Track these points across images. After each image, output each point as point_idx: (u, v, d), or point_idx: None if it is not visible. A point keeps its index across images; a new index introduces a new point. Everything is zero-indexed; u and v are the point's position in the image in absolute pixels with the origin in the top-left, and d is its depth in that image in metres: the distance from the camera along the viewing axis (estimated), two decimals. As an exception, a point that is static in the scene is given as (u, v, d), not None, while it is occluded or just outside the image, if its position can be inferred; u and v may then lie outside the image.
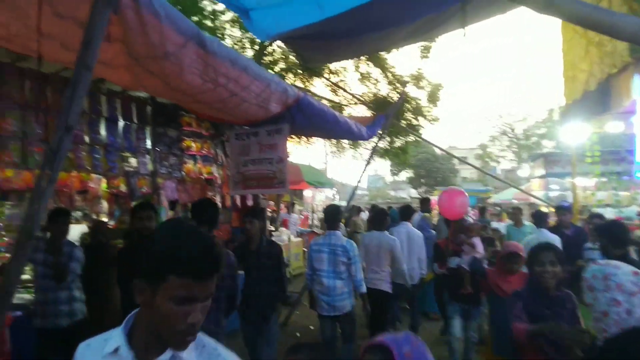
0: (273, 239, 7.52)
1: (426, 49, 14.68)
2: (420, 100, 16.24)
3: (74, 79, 2.32)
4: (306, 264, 13.26)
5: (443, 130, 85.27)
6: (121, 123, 5.67)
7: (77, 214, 7.41)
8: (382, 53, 13.74)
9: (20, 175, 5.42)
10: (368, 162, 8.03)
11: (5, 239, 6.67)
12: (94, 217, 6.97)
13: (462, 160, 13.39)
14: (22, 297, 5.01)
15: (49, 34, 3.12)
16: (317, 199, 25.42)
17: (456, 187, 5.41)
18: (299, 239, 13.64)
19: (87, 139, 5.20)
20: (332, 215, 5.46)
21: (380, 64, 14.68)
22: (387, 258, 6.07)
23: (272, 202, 14.58)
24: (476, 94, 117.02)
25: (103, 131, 5.42)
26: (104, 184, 6.59)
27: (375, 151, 8.39)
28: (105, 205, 6.87)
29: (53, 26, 3.02)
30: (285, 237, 12.46)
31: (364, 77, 15.32)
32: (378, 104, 14.47)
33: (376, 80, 15.37)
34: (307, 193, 21.95)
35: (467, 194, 6.24)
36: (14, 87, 4.40)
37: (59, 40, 3.29)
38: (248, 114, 5.01)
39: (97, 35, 2.32)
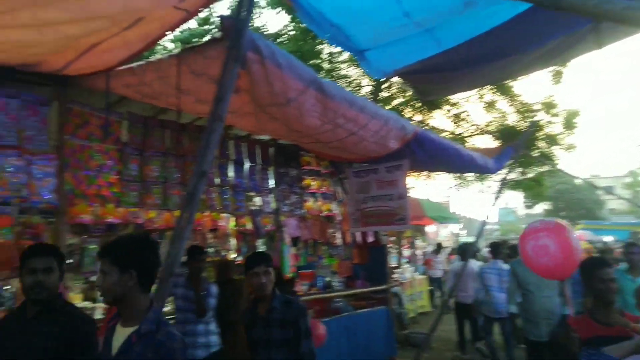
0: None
1: (558, 74, 13.73)
2: (553, 127, 15.11)
3: (208, 129, 2.51)
4: (430, 302, 12.86)
5: (585, 159, 77.75)
6: (247, 165, 6.03)
7: (209, 250, 7.93)
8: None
9: (161, 216, 6.00)
10: (497, 196, 7.59)
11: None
12: (224, 254, 7.43)
13: (607, 191, 12.07)
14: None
15: (186, 90, 3.46)
16: (442, 234, 24.51)
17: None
18: (423, 277, 13.18)
19: (217, 181, 5.59)
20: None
21: (507, 92, 13.99)
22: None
23: (392, 238, 14.36)
24: (620, 117, 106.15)
25: (231, 173, 5.80)
26: (232, 223, 7.03)
27: (505, 183, 7.91)
28: (233, 242, 7.31)
29: (189, 83, 3.35)
30: (408, 274, 12.11)
31: (489, 106, 14.68)
32: (505, 133, 13.71)
33: (502, 109, 14.66)
34: (430, 228, 21.28)
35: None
36: (156, 137, 4.92)
37: (195, 95, 3.63)
38: (367, 151, 5.04)
39: (227, 89, 2.50)
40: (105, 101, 3.96)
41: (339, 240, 7.45)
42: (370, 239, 7.77)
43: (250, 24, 2.67)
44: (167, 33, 3.02)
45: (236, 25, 2.57)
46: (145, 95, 3.79)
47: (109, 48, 3.13)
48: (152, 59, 3.52)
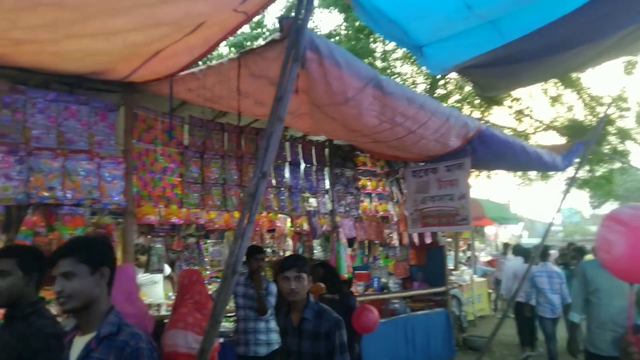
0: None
1: (631, 65, 12.94)
2: (625, 121, 14.25)
3: (269, 130, 2.53)
4: (491, 305, 12.46)
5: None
6: (302, 166, 6.06)
7: (267, 250, 8.06)
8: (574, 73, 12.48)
9: (221, 217, 6.16)
10: (565, 195, 7.21)
11: (208, 272, 7.51)
12: (281, 254, 7.53)
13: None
14: (223, 325, 5.54)
15: (245, 92, 3.51)
16: (502, 236, 23.69)
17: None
18: (483, 279, 12.78)
19: (274, 182, 5.65)
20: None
21: (574, 85, 13.33)
22: None
23: (450, 240, 14.03)
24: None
25: (287, 174, 5.84)
26: (288, 223, 7.11)
27: (573, 182, 7.53)
28: (290, 242, 7.39)
29: (249, 85, 3.40)
30: (467, 277, 11.79)
31: (554, 101, 14.03)
32: (572, 129, 13.08)
33: (569, 103, 13.98)
34: (490, 230, 20.61)
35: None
36: (215, 140, 5.04)
37: (253, 97, 3.69)
38: (426, 150, 4.93)
39: (287, 90, 2.51)
40: (168, 106, 4.09)
41: (395, 241, 7.36)
42: (428, 240, 7.62)
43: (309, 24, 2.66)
44: (227, 36, 3.07)
45: (295, 25, 2.57)
46: (207, 99, 3.88)
47: (172, 54, 3.23)
48: (212, 63, 3.60)
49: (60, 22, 2.56)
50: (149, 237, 5.42)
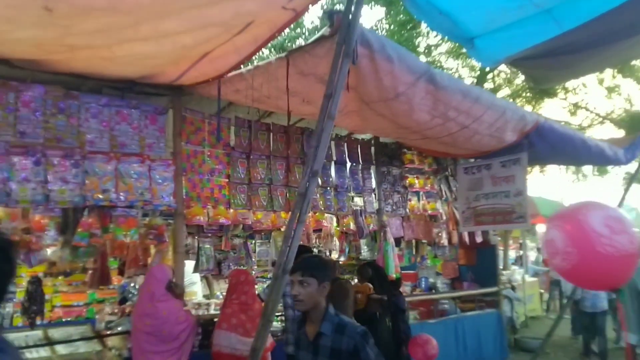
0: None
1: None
2: None
3: (319, 128, 2.47)
4: (543, 306, 12.02)
5: None
6: (348, 165, 5.99)
7: (313, 250, 8.03)
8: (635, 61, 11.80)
9: (267, 217, 6.15)
10: (627, 190, 6.81)
11: (253, 272, 7.56)
12: (327, 253, 7.46)
13: None
14: (273, 324, 5.55)
15: (293, 91, 3.46)
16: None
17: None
18: (534, 279, 12.35)
19: (320, 181, 5.60)
20: None
21: (633, 74, 12.63)
22: None
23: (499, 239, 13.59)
24: None
25: (333, 173, 5.79)
26: (335, 223, 7.04)
27: (635, 177, 7.11)
28: (336, 242, 7.32)
29: (296, 84, 3.35)
30: (518, 276, 11.41)
31: (611, 92, 13.36)
32: (631, 121, 12.40)
33: (627, 94, 13.27)
34: (540, 228, 19.84)
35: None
36: (261, 140, 5.04)
37: (301, 96, 3.64)
38: (480, 145, 4.77)
39: (338, 86, 2.45)
40: (216, 107, 4.11)
41: (444, 241, 7.16)
42: (479, 239, 7.39)
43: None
44: (275, 35, 3.03)
45: (346, 19, 2.50)
46: (254, 100, 3.87)
47: (221, 55, 3.22)
48: (260, 63, 3.57)
49: (114, 27, 2.59)
50: (197, 237, 5.47)
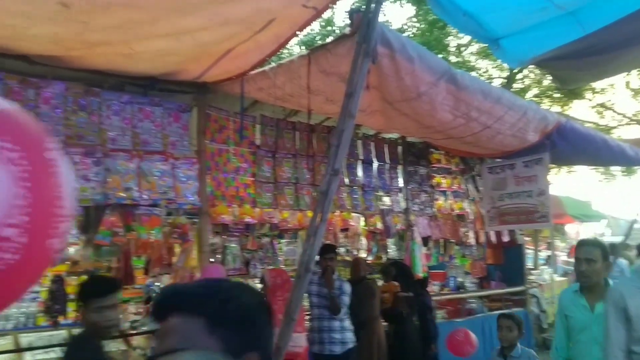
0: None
1: None
2: None
3: (340, 127, 2.45)
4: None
5: None
6: (375, 164, 5.96)
7: (340, 250, 8.02)
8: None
9: (294, 216, 6.17)
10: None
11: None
12: (355, 252, 7.45)
13: None
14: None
15: (316, 90, 3.45)
16: (583, 234, 22.20)
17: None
18: (564, 279, 12.04)
19: (347, 180, 5.58)
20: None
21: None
22: None
23: (528, 238, 13.32)
24: None
25: (360, 172, 5.76)
26: (362, 222, 7.03)
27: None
28: (364, 241, 7.30)
29: (319, 82, 3.34)
30: (547, 276, 11.18)
31: (638, 94, 12.98)
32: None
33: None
34: (570, 228, 19.34)
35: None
36: (287, 139, 5.03)
37: (324, 95, 3.62)
38: (502, 145, 4.75)
39: (358, 85, 2.42)
40: (240, 105, 4.11)
41: (471, 240, 7.16)
42: (506, 239, 7.29)
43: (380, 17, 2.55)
44: (297, 33, 3.01)
45: (366, 18, 2.47)
46: (277, 98, 3.87)
47: (243, 52, 3.22)
48: (283, 61, 3.57)
49: (131, 23, 2.61)
50: (223, 236, 5.51)
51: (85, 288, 2.40)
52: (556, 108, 13.30)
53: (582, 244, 2.99)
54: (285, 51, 12.59)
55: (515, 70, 11.72)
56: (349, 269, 6.48)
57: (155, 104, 3.89)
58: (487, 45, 3.93)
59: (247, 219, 5.55)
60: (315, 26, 14.48)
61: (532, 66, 6.19)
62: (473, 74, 12.77)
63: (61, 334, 4.66)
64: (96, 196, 3.46)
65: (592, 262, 2.84)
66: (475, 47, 12.34)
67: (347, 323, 4.67)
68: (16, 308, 6.84)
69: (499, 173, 5.77)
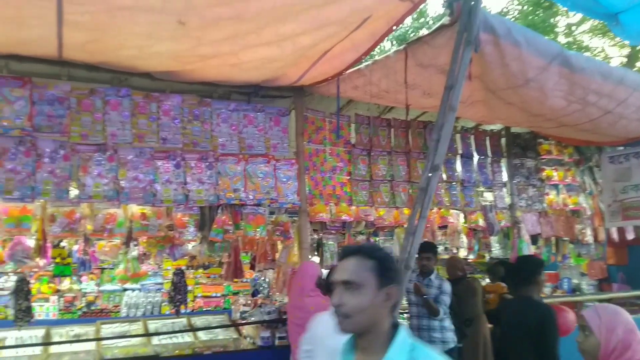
0: None
1: None
2: None
3: (440, 121, 2.38)
4: None
5: None
6: (475, 158, 5.70)
7: (439, 247, 7.80)
8: None
9: (390, 213, 6.10)
10: None
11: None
12: (454, 251, 7.19)
13: None
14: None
15: (412, 84, 3.38)
16: None
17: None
18: None
19: (444, 176, 5.40)
20: None
21: None
22: None
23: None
24: None
25: (459, 168, 5.55)
26: (462, 219, 6.75)
27: None
28: (464, 239, 7.02)
29: (416, 76, 3.27)
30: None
31: None
32: None
33: None
34: None
35: None
36: (382, 136, 5.00)
37: (421, 89, 3.54)
38: (626, 131, 4.38)
39: (460, 76, 2.33)
40: (336, 105, 4.16)
41: (588, 238, 6.60)
42: (630, 236, 6.63)
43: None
44: (393, 28, 2.96)
45: (467, 6, 2.36)
46: (373, 95, 3.86)
47: (339, 53, 3.25)
48: (378, 57, 3.53)
49: (239, 34, 2.76)
50: (321, 234, 5.60)
51: None
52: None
53: None
54: (377, 48, 12.52)
55: (638, 48, 10.60)
56: (446, 267, 6.29)
57: (258, 109, 4.14)
58: (603, 22, 3.58)
59: (344, 217, 5.60)
60: (408, 19, 14.19)
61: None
62: (587, 54, 11.80)
63: (182, 322, 5.09)
64: (210, 197, 3.81)
65: None
66: (588, 24, 11.36)
67: (448, 323, 4.54)
68: (144, 298, 7.66)
69: (622, 162, 5.37)
